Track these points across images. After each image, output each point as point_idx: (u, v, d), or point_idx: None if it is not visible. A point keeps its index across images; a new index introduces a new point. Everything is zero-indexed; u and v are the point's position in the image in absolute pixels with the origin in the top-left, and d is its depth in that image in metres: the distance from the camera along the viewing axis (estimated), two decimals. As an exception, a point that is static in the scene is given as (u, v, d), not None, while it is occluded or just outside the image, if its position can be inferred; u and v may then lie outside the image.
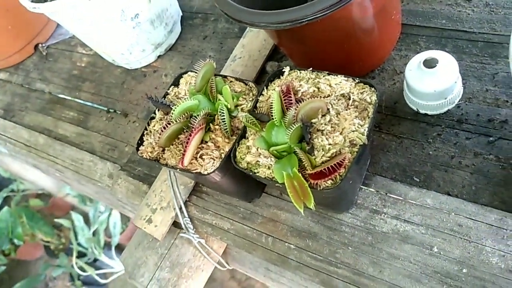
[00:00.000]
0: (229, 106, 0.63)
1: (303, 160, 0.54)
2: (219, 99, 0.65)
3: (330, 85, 0.60)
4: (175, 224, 0.84)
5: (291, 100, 0.59)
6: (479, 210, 0.64)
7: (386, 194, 0.70)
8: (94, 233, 2.38)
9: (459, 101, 0.73)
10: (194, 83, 0.67)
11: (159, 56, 1.06)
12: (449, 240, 0.63)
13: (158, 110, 0.72)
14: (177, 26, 1.07)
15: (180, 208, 0.82)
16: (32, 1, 0.89)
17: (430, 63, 0.68)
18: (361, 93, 0.60)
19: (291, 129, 0.55)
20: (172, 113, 0.63)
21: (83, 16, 0.88)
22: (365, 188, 0.72)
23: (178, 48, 1.06)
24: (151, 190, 0.86)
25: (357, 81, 0.61)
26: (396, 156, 0.73)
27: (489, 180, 0.66)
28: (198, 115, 0.62)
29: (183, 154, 0.60)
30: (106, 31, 0.93)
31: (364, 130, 0.56)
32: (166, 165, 0.66)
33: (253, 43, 0.91)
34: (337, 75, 0.61)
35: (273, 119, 0.58)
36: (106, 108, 1.06)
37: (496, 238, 0.62)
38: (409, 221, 0.67)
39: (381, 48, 0.78)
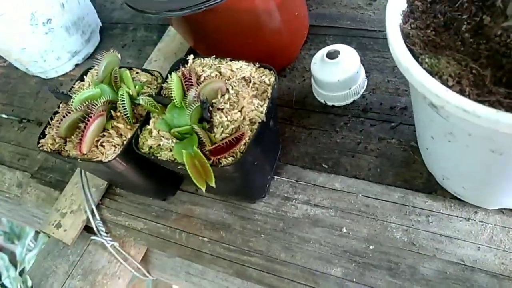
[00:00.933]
0: (131, 93, 0.62)
1: (202, 138, 0.54)
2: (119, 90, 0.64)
3: (231, 70, 0.61)
4: (88, 230, 0.80)
5: (192, 82, 0.59)
6: (383, 190, 0.66)
7: (297, 181, 0.71)
8: (21, 273, 2.21)
9: (363, 92, 0.77)
10: (96, 74, 0.66)
11: (76, 65, 1.04)
12: (357, 220, 0.65)
13: (62, 104, 0.69)
14: (96, 36, 1.06)
15: (92, 211, 0.78)
16: None
17: (332, 55, 0.72)
18: (261, 76, 0.61)
19: (191, 109, 0.55)
20: (72, 101, 0.61)
21: (-11, 18, 0.85)
22: (277, 177, 0.72)
23: (97, 57, 1.04)
24: (62, 195, 0.82)
25: (257, 65, 0.62)
26: (306, 146, 0.74)
27: (392, 162, 0.68)
28: (96, 101, 0.60)
29: (81, 140, 0.58)
30: (15, 35, 0.90)
31: (263, 109, 0.57)
32: (68, 156, 0.63)
33: (169, 46, 0.92)
34: (238, 61, 0.63)
35: (174, 100, 0.58)
36: (18, 118, 1.01)
37: (399, 214, 0.64)
38: (319, 205, 0.68)
39: (289, 46, 0.81)
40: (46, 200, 0.85)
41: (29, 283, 2.24)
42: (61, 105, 0.70)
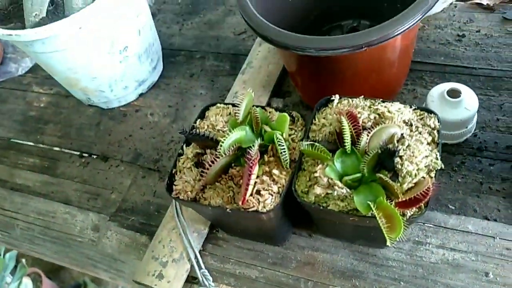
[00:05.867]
0: (284, 136, 0.58)
1: (391, 188, 0.51)
2: (265, 130, 0.60)
3: (389, 112, 0.59)
4: (188, 280, 0.73)
5: (358, 126, 0.56)
6: (521, 232, 0.65)
7: (425, 223, 0.69)
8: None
9: (474, 130, 0.76)
10: (234, 115, 0.61)
11: (140, 95, 0.97)
12: (502, 264, 0.63)
13: (187, 146, 0.64)
14: (160, 63, 1.00)
15: (196, 259, 0.72)
16: (4, 27, 0.76)
17: (454, 94, 0.71)
18: (421, 119, 0.59)
19: (368, 156, 0.52)
20: (221, 145, 0.56)
21: (68, 46, 0.77)
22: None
23: (162, 86, 0.98)
24: (156, 241, 0.74)
25: (413, 107, 0.60)
26: (427, 185, 0.72)
27: (522, 203, 0.68)
28: (251, 146, 0.55)
29: (245, 190, 0.53)
30: (90, 65, 0.83)
31: (436, 155, 0.55)
32: (209, 205, 0.57)
33: (256, 79, 0.88)
34: (393, 102, 0.60)
35: (343, 147, 0.55)
36: (78, 153, 0.92)
37: (543, 258, 0.63)
38: (456, 249, 0.66)
39: (397, 80, 0.79)
40: (131, 246, 0.78)
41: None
42: (185, 148, 0.64)
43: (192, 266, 0.72)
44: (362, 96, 0.62)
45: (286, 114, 0.58)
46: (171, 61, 1.03)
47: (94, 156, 0.91)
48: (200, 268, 0.72)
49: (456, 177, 0.73)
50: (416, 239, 0.68)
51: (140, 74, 0.92)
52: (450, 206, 0.70)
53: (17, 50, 1.15)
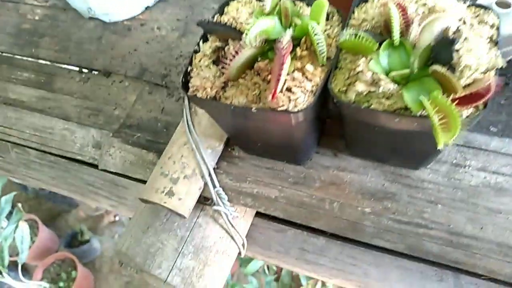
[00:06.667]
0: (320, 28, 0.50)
1: (448, 82, 0.43)
2: (296, 24, 0.52)
3: (440, 7, 0.50)
4: (200, 199, 0.67)
5: (407, 17, 0.48)
6: None
7: (463, 146, 0.62)
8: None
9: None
10: (262, 4, 0.53)
11: (146, 8, 0.87)
12: (549, 188, 0.57)
13: (204, 41, 0.56)
14: (168, -27, 0.90)
15: (210, 176, 0.65)
16: None
17: (503, 4, 0.63)
18: (476, 16, 0.51)
19: (419, 49, 0.45)
20: (246, 34, 0.48)
21: None
22: (441, 140, 0.63)
23: (170, 0, 0.89)
24: (166, 157, 0.67)
25: (468, 3, 0.52)
26: (467, 105, 0.65)
27: None
28: (280, 37, 0.47)
29: (277, 81, 0.45)
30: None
31: (497, 53, 0.47)
32: (231, 105, 0.50)
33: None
34: (444, -5, 0.52)
35: (391, 38, 0.47)
36: (78, 68, 0.84)
37: None
38: (498, 172, 0.60)
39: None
40: (136, 164, 0.71)
41: (6, 261, 2.02)
42: (201, 44, 0.56)
43: (205, 184, 0.65)
44: (411, -11, 0.53)
45: (322, 0, 0.49)
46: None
47: (95, 72, 0.83)
48: (214, 186, 0.65)
49: (499, 99, 0.65)
50: (454, 161, 0.62)
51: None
52: (492, 129, 0.63)
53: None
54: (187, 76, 0.54)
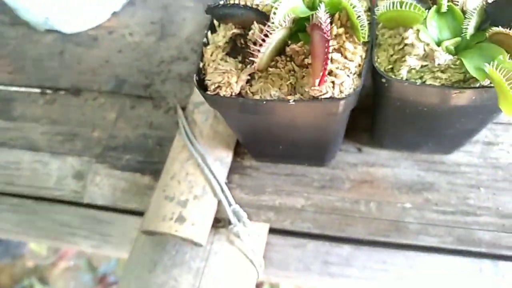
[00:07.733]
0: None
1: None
2: (321, 0, 0.45)
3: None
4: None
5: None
6: None
7: (492, 122, 0.59)
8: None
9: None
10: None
11: (113, 14, 0.78)
12: None
13: (212, 32, 0.48)
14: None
15: (223, 193, 0.57)
16: None
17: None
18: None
19: (471, 14, 0.40)
20: (274, 13, 0.41)
21: None
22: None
23: (137, 3, 0.79)
24: (168, 178, 0.58)
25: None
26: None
27: None
28: (316, 12, 0.40)
29: (325, 64, 0.38)
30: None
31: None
32: (263, 100, 0.42)
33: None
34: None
35: (436, 4, 0.42)
36: (39, 90, 0.72)
37: None
38: (534, 147, 0.56)
39: None
40: (129, 191, 0.61)
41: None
42: (209, 34, 0.48)
43: (219, 201, 0.57)
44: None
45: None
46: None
47: (62, 92, 0.71)
48: (230, 204, 0.57)
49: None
50: (485, 139, 0.58)
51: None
52: (515, 101, 0.60)
53: None
54: (200, 74, 0.45)
